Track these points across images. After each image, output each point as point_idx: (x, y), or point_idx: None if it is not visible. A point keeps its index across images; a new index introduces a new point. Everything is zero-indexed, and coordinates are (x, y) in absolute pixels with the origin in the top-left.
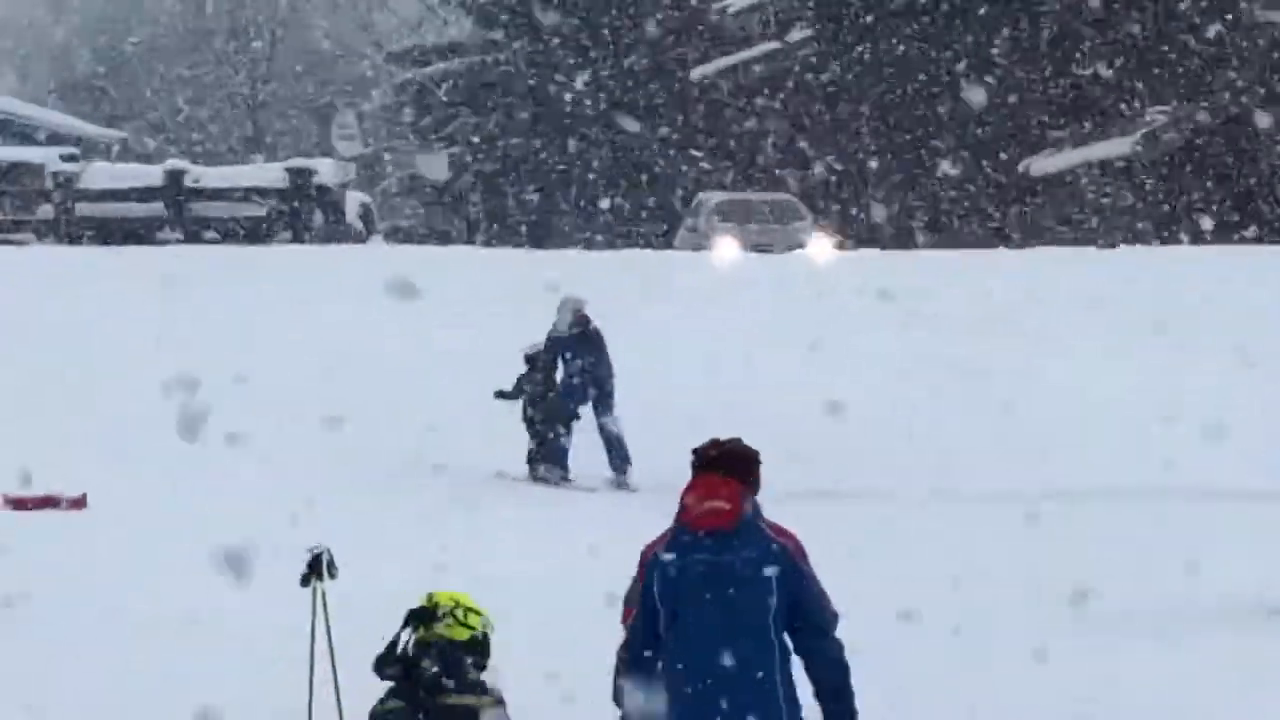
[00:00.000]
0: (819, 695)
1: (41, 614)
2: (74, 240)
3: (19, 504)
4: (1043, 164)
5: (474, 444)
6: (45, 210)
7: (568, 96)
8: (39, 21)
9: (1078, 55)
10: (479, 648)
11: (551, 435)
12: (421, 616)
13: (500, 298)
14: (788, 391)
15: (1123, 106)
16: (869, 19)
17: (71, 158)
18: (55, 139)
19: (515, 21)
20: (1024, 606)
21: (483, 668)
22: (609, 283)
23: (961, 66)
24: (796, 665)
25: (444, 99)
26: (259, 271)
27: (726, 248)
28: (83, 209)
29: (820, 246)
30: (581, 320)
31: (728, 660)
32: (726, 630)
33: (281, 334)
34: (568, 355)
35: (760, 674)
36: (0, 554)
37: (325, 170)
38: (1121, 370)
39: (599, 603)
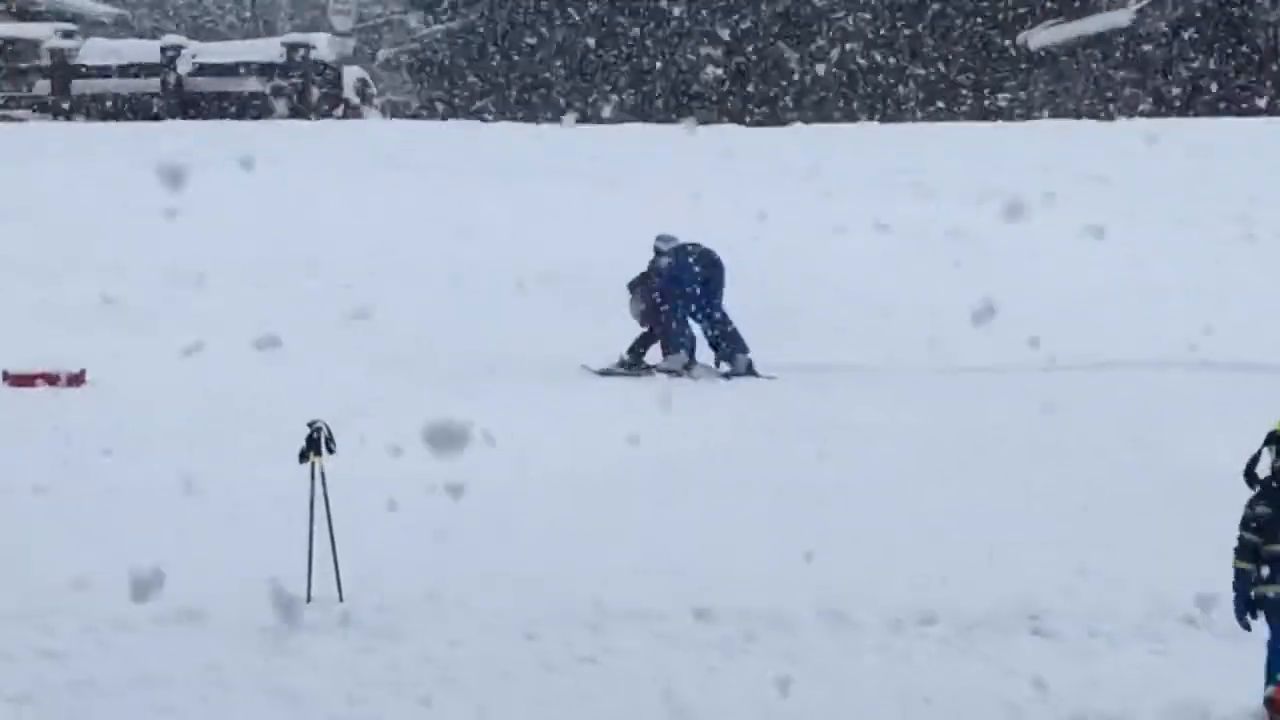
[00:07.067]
0: None
1: (43, 489)
2: (70, 116)
3: (19, 381)
4: (1040, 37)
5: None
6: (42, 86)
7: None
8: None
9: None
10: None
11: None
12: (1276, 438)
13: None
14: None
15: None
16: None
17: (68, 34)
18: (52, 14)
19: None
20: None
21: None
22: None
23: None
24: None
25: None
26: (259, 147)
27: None
28: (79, 85)
29: None
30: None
31: None
32: None
33: (283, 211)
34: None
35: None
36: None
37: (322, 45)
38: (1125, 243)
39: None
